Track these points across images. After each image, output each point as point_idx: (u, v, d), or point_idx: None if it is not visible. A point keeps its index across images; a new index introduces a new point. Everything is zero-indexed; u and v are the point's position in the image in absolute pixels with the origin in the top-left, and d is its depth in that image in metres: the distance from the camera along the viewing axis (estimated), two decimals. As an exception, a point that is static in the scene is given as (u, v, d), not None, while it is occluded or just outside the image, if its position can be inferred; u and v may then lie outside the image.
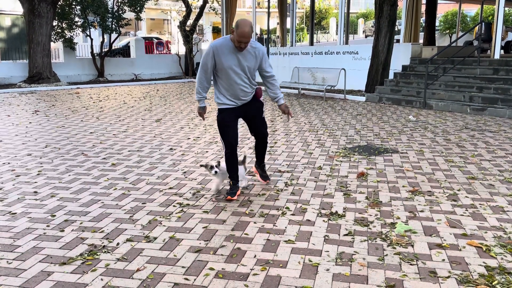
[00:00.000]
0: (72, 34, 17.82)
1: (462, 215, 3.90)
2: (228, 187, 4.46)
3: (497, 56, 11.32)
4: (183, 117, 9.42)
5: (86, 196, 4.41)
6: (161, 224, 3.72)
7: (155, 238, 3.44)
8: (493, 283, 2.76)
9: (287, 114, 4.46)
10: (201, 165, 4.47)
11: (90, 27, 18.17)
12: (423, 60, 12.33)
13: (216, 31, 27.18)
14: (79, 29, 18.07)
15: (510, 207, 4.08)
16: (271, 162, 5.64)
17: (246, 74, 4.14)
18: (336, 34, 21.99)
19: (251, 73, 4.20)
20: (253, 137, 4.67)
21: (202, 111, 4.37)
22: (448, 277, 2.86)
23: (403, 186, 4.70)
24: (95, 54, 18.27)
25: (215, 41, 4.10)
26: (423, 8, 17.04)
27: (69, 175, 5.15)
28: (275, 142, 6.72)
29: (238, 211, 4.01)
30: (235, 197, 4.30)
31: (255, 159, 4.87)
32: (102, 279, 2.84)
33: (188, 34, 19.76)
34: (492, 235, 3.48)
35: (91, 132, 7.72)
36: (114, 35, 18.69)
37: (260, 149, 4.64)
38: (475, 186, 4.70)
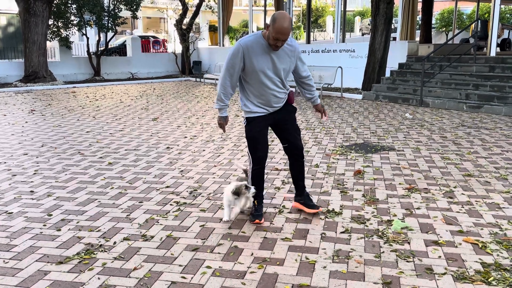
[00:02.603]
0: (68, 33, 17.75)
1: (458, 212, 3.92)
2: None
3: (493, 54, 11.36)
4: (180, 115, 9.41)
5: (83, 195, 4.40)
6: (158, 222, 3.72)
7: (152, 237, 3.44)
8: (489, 280, 2.78)
9: (322, 113, 3.97)
10: (234, 193, 3.63)
11: (86, 26, 18.09)
12: (420, 58, 12.35)
13: (213, 29, 27.10)
14: (75, 28, 17.99)
15: (506, 204, 4.09)
16: (267, 160, 5.64)
17: (280, 77, 3.54)
18: (333, 32, 22.02)
19: (285, 76, 3.60)
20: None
21: (223, 122, 3.68)
22: (444, 273, 2.87)
23: (400, 184, 4.72)
24: (91, 53, 18.21)
25: (244, 38, 3.46)
26: (420, 6, 17.06)
27: (66, 174, 5.14)
28: (272, 141, 6.72)
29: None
30: (263, 220, 3.73)
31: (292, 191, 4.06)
32: (99, 278, 2.84)
33: (185, 32, 19.72)
34: (488, 231, 3.50)
35: (87, 131, 7.71)
36: (110, 34, 18.63)
37: (297, 170, 3.82)
38: (471, 183, 4.72)
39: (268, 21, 3.38)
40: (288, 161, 3.93)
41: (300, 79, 3.80)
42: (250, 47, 3.40)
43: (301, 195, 3.88)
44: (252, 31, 21.50)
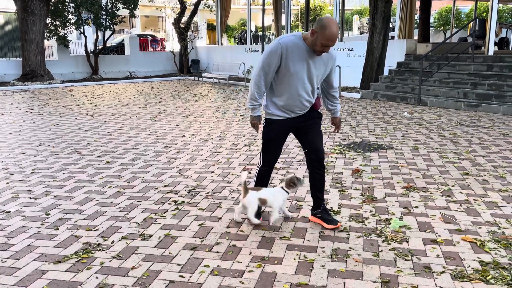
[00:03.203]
0: (65, 32, 17.70)
1: (457, 210, 3.92)
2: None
3: (491, 53, 11.36)
4: (178, 114, 9.40)
5: (81, 194, 4.39)
6: (156, 221, 3.72)
7: (150, 236, 3.44)
8: (487, 278, 2.78)
9: (337, 128, 3.77)
10: (294, 184, 3.60)
11: (84, 24, 18.05)
12: (418, 56, 12.36)
13: (211, 28, 27.09)
14: (73, 26, 17.95)
15: (504, 203, 4.10)
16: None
17: (313, 85, 3.39)
18: (331, 31, 21.95)
19: (318, 84, 3.46)
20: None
21: (257, 121, 3.49)
22: (443, 272, 2.87)
23: (398, 182, 4.72)
24: (89, 52, 18.18)
25: (284, 37, 3.27)
26: (418, 4, 17.07)
27: (64, 173, 5.13)
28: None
29: (233, 208, 4.00)
30: (261, 219, 3.70)
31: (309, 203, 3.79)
32: (97, 277, 2.83)
33: (183, 31, 19.69)
34: (486, 230, 3.50)
35: (85, 130, 7.69)
36: (108, 33, 18.59)
37: (316, 181, 3.58)
38: (469, 181, 4.73)
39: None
40: (305, 169, 3.80)
41: (328, 89, 3.62)
42: (289, 48, 3.22)
43: (319, 208, 3.63)
44: (251, 30, 21.47)
